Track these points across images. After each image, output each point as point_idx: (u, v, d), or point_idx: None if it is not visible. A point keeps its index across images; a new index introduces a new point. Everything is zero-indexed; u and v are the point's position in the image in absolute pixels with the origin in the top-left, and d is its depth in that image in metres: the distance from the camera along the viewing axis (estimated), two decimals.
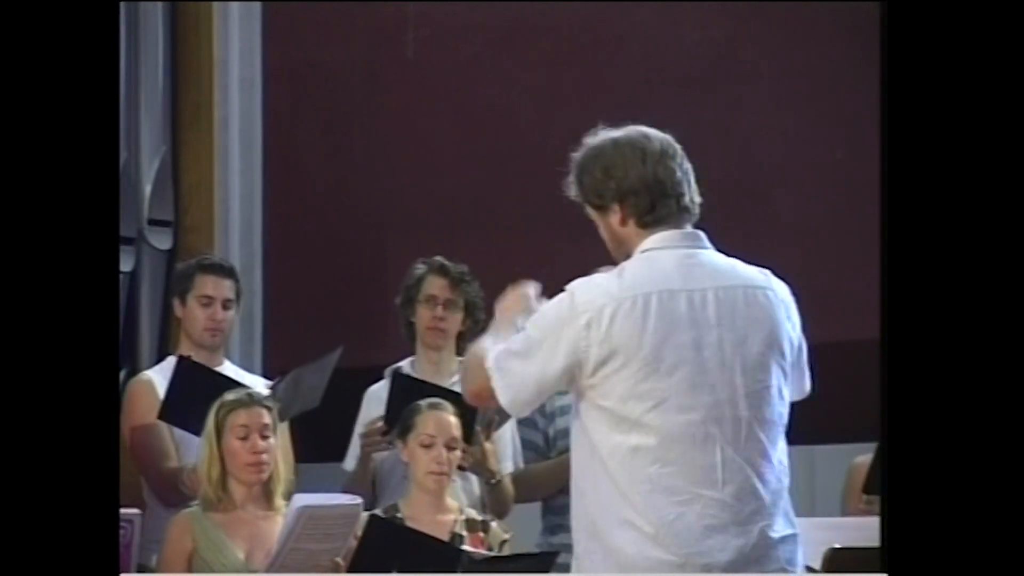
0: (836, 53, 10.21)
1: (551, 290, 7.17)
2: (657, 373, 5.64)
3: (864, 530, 7.10)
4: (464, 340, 8.47)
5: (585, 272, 6.40)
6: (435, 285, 8.56)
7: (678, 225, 5.81)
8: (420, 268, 8.62)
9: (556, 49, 10.34)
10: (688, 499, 5.62)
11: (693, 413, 5.63)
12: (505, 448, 8.45)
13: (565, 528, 6.23)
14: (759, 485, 5.70)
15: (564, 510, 6.14)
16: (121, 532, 7.17)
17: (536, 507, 8.60)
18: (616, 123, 6.36)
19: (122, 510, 7.13)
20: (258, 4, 10.48)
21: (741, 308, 5.76)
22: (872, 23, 7.44)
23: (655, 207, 5.78)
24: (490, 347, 5.91)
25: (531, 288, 6.13)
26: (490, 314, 8.36)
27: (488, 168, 10.11)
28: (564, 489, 6.84)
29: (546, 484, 8.53)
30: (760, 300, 5.80)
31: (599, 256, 5.96)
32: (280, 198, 10.42)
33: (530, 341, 5.78)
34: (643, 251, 5.80)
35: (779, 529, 5.69)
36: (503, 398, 5.77)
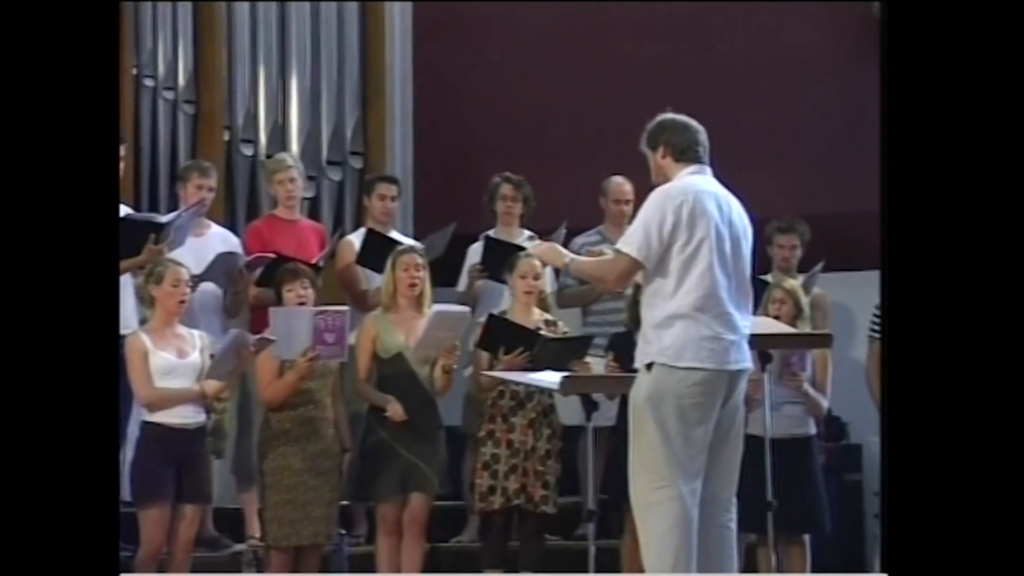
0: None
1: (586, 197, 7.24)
2: (710, 232, 5.66)
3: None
4: (523, 220, 8.49)
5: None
6: (505, 188, 8.47)
7: (698, 162, 5.84)
8: (496, 179, 8.53)
9: (589, 48, 10.09)
10: (722, 300, 5.66)
11: (722, 255, 5.68)
12: (547, 279, 8.24)
13: None
14: (743, 299, 5.80)
15: None
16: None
17: None
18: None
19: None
20: (410, 32, 10.33)
21: (736, 208, 5.82)
22: None
23: (683, 150, 5.80)
24: (607, 256, 6.00)
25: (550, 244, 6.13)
26: (540, 206, 8.60)
27: (545, 124, 9.97)
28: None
29: (578, 299, 8.43)
30: (741, 209, 5.85)
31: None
32: (422, 139, 10.34)
33: (646, 220, 5.72)
34: (688, 174, 5.80)
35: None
36: (637, 254, 5.69)
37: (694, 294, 5.67)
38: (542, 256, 6.25)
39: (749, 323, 5.84)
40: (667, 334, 5.68)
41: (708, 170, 5.86)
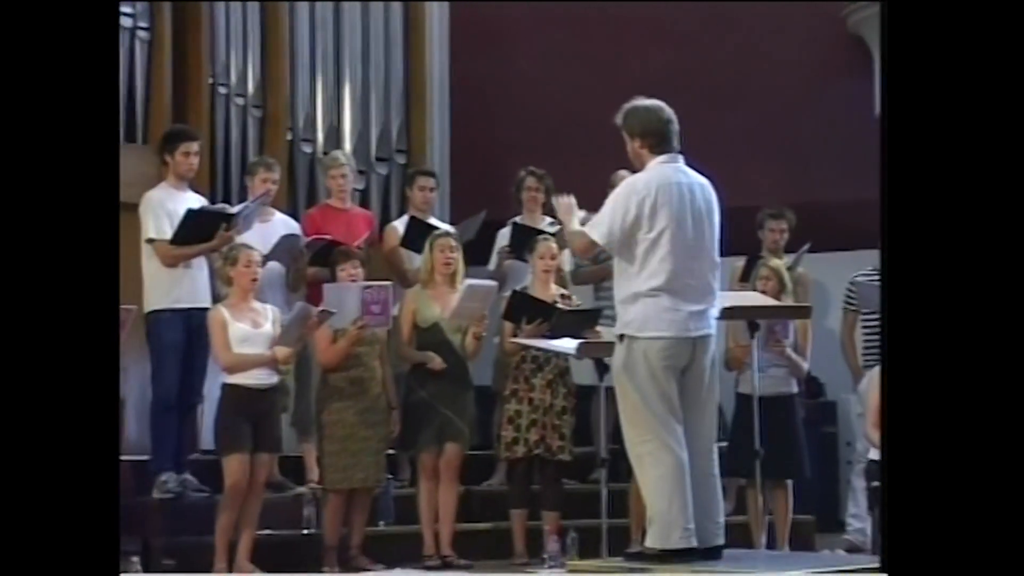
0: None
1: (599, 188, 7.28)
2: (671, 221, 5.56)
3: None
4: (545, 208, 8.34)
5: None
6: (530, 180, 8.46)
7: (668, 149, 5.67)
8: (522, 173, 8.52)
9: (604, 57, 10.04)
10: (683, 282, 5.58)
11: (683, 240, 5.57)
12: (566, 259, 8.15)
13: None
14: (711, 280, 5.68)
15: None
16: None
17: None
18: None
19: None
20: (447, 46, 10.21)
21: (700, 194, 5.67)
22: None
23: (656, 143, 5.67)
24: (577, 229, 5.78)
25: (570, 199, 5.95)
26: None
27: (564, 124, 9.92)
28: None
29: (591, 277, 8.31)
30: (708, 192, 5.70)
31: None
32: (458, 138, 10.23)
33: (612, 209, 5.63)
34: (658, 164, 5.64)
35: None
36: (600, 239, 5.65)
37: (656, 277, 5.58)
38: (562, 210, 6.07)
39: (715, 292, 5.73)
40: (632, 309, 5.62)
41: (679, 158, 5.73)
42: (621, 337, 5.69)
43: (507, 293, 7.79)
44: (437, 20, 10.28)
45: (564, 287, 7.95)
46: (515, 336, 7.51)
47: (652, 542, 5.55)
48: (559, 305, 7.57)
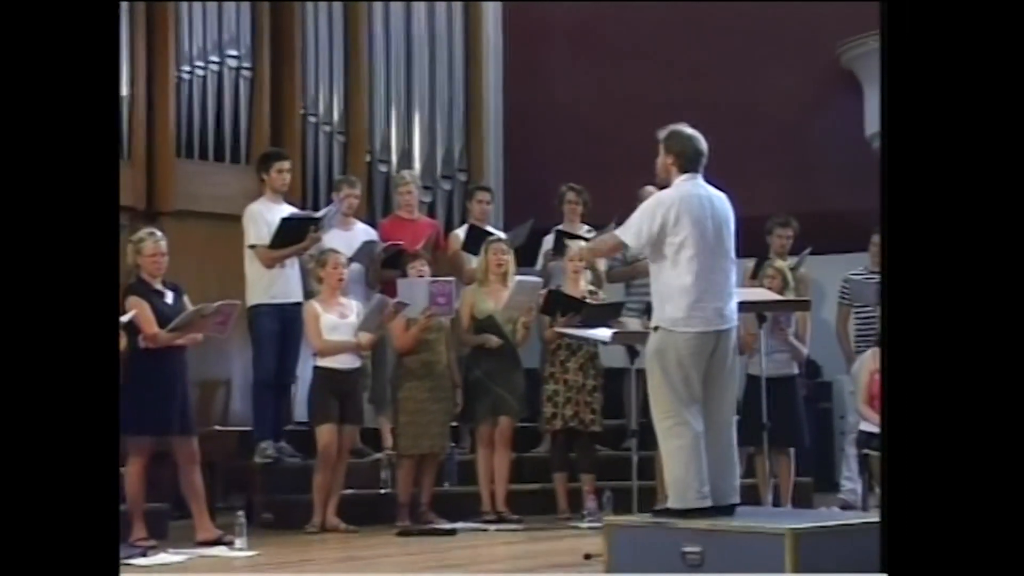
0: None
1: (628, 201, 7.26)
2: (694, 227, 5.41)
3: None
4: (583, 218, 8.36)
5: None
6: (570, 195, 8.41)
7: (693, 171, 5.53)
8: (563, 188, 8.46)
9: (633, 90, 9.81)
10: (709, 279, 5.42)
11: (705, 243, 5.41)
12: (600, 261, 8.10)
13: None
14: (731, 278, 5.55)
15: None
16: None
17: None
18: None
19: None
20: (501, 78, 10.20)
21: (720, 205, 5.53)
22: None
23: (686, 163, 5.53)
24: (604, 236, 5.81)
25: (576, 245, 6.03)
26: (595, 207, 8.44)
27: (598, 147, 9.77)
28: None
29: (623, 276, 8.34)
30: (725, 203, 5.54)
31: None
32: (510, 159, 10.20)
33: (640, 217, 5.50)
34: (682, 181, 5.50)
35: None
36: (628, 240, 5.54)
37: (686, 275, 5.45)
38: (584, 254, 6.19)
39: (734, 289, 5.61)
40: (667, 307, 5.49)
41: (699, 176, 5.58)
42: (656, 328, 5.56)
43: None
44: (493, 59, 10.26)
45: (599, 285, 7.96)
46: (552, 326, 7.51)
47: (672, 503, 5.56)
48: (587, 300, 7.58)
